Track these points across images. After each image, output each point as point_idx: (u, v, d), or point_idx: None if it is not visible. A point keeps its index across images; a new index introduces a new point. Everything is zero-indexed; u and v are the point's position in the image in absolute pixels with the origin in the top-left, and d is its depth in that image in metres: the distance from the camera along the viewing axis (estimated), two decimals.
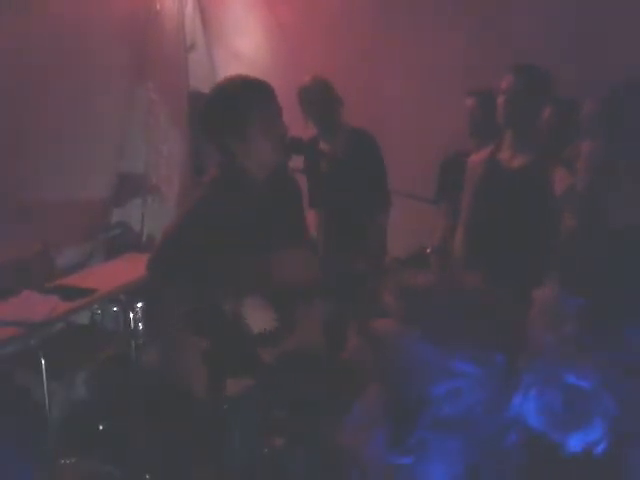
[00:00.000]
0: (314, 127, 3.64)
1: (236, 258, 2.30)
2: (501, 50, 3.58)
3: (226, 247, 2.29)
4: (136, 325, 3.68)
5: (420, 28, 4.01)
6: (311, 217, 3.52)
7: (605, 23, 3.47)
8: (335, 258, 3.09)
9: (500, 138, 2.96)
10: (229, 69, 4.31)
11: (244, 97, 2.34)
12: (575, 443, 1.05)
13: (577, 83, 3.26)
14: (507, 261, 2.68)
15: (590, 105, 1.78)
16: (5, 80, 3.46)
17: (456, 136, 3.55)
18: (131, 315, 3.68)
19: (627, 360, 1.57)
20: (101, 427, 3.68)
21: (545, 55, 3.52)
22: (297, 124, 3.08)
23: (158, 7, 4.41)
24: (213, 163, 2.50)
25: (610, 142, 1.71)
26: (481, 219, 2.94)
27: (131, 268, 3.74)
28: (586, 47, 3.47)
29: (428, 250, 2.43)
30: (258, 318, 2.36)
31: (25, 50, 3.53)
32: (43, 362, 3.17)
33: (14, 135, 3.57)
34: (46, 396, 3.23)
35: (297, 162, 2.71)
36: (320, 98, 3.57)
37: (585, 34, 3.51)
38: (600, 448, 1.05)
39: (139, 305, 3.70)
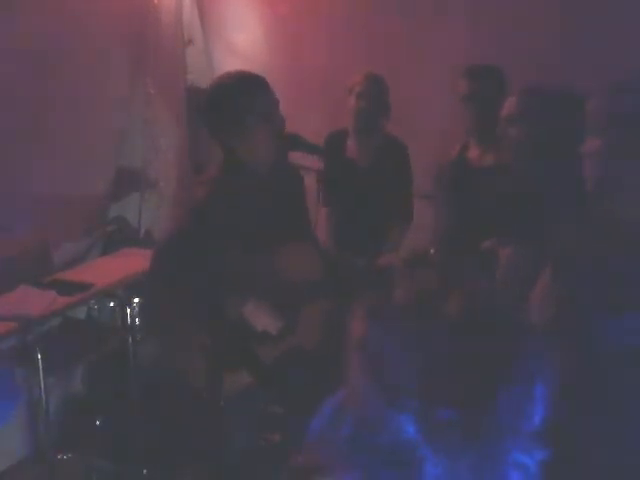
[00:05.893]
0: (353, 124, 3.48)
1: (239, 256, 2.29)
2: (501, 49, 3.57)
3: (229, 244, 2.29)
4: (133, 320, 3.67)
5: (420, 23, 3.99)
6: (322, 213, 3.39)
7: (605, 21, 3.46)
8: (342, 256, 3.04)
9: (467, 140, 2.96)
10: (227, 64, 4.30)
11: (242, 92, 2.33)
12: None
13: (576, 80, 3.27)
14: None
15: (596, 102, 1.75)
16: (3, 78, 3.45)
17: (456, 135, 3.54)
18: (128, 310, 3.66)
19: (596, 348, 1.55)
20: (98, 422, 3.68)
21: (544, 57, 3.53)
22: (296, 120, 3.06)
23: (156, 1, 4.39)
24: (213, 159, 2.49)
25: (618, 139, 1.68)
26: (457, 223, 2.91)
27: (128, 263, 3.73)
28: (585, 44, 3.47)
29: (432, 251, 2.41)
30: (260, 320, 2.34)
31: (22, 47, 3.51)
32: (40, 357, 3.16)
33: (11, 131, 3.55)
34: (43, 392, 3.22)
35: (304, 160, 2.68)
36: (375, 97, 3.43)
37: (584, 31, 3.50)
38: None
39: (136, 300, 3.68)
